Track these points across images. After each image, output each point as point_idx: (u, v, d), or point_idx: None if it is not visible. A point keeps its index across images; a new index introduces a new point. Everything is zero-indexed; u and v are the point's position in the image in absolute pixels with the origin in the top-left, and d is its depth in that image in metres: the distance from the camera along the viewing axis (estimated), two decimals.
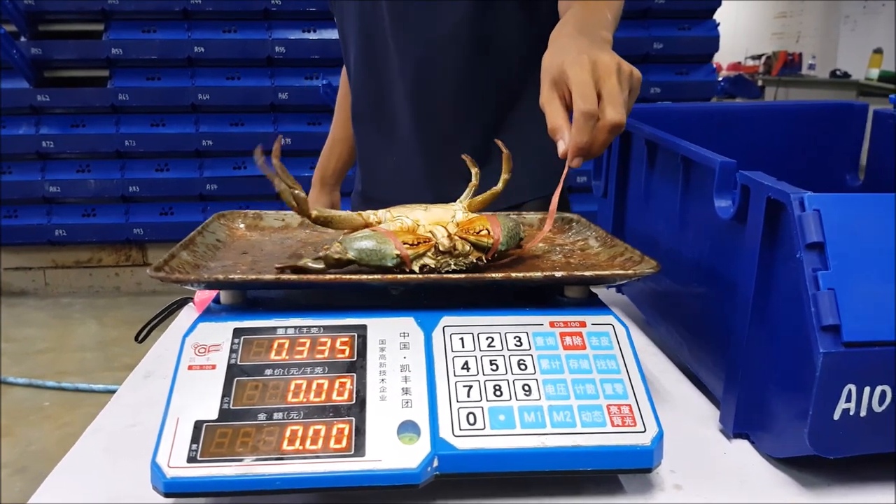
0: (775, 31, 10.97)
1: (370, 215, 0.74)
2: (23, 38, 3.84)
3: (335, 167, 1.44)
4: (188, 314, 1.02)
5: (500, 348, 0.60)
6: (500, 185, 0.82)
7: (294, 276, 0.60)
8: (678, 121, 1.03)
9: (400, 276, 0.62)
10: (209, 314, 0.63)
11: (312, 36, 3.90)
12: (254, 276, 0.60)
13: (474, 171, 0.84)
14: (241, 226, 0.87)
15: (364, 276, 0.61)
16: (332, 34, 3.88)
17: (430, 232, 0.68)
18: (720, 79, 9.99)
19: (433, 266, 0.65)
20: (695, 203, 0.74)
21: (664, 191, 0.82)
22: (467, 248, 0.66)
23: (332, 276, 0.61)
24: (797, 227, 0.54)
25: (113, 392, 2.47)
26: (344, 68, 1.40)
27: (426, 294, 0.66)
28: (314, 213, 0.70)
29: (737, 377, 0.64)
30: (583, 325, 0.62)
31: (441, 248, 0.65)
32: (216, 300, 0.65)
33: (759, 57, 10.48)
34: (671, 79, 3.99)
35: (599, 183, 1.02)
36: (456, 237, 0.67)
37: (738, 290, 0.64)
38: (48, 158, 3.98)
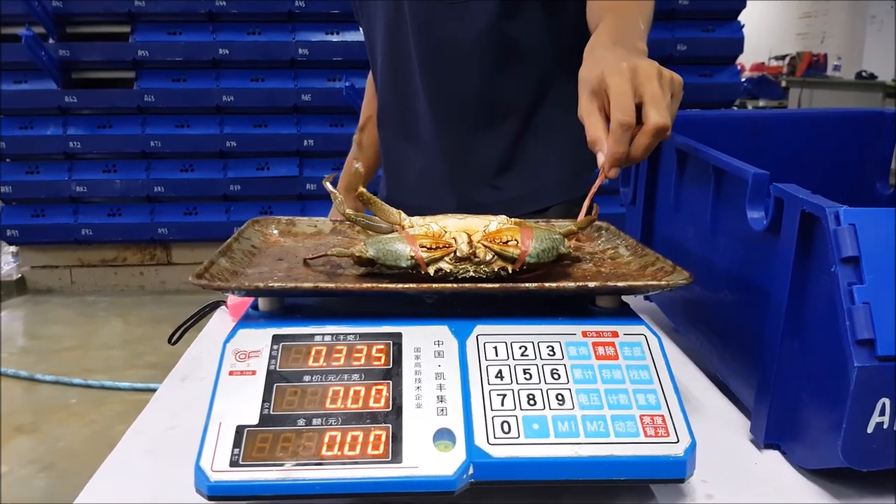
0: (800, 32, 10.87)
1: (405, 217, 0.76)
2: (51, 40, 3.90)
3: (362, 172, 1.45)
4: (220, 317, 1.04)
5: (534, 357, 0.61)
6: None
7: (331, 285, 0.62)
8: (706, 128, 1.03)
9: (435, 286, 0.63)
10: (248, 320, 0.64)
11: (335, 38, 3.93)
12: (292, 285, 0.62)
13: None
14: (275, 232, 0.89)
15: (398, 285, 0.62)
16: (355, 36, 3.91)
17: (453, 238, 0.69)
18: (743, 80, 9.95)
19: (449, 271, 0.66)
20: (726, 213, 0.75)
21: (695, 199, 0.83)
22: (489, 256, 0.66)
23: (368, 285, 0.62)
24: (832, 241, 0.54)
25: (138, 390, 2.51)
26: (370, 74, 1.42)
27: (460, 302, 0.67)
28: (360, 189, 0.76)
29: (769, 388, 0.64)
30: (615, 335, 0.63)
31: (459, 255, 0.66)
32: (254, 306, 0.67)
33: (783, 57, 10.40)
34: (695, 80, 3.97)
35: (628, 190, 1.02)
36: (479, 244, 0.67)
37: (770, 300, 0.64)
38: (75, 158, 4.04)
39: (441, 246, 0.67)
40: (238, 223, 3.99)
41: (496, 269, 0.66)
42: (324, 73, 3.96)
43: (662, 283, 0.64)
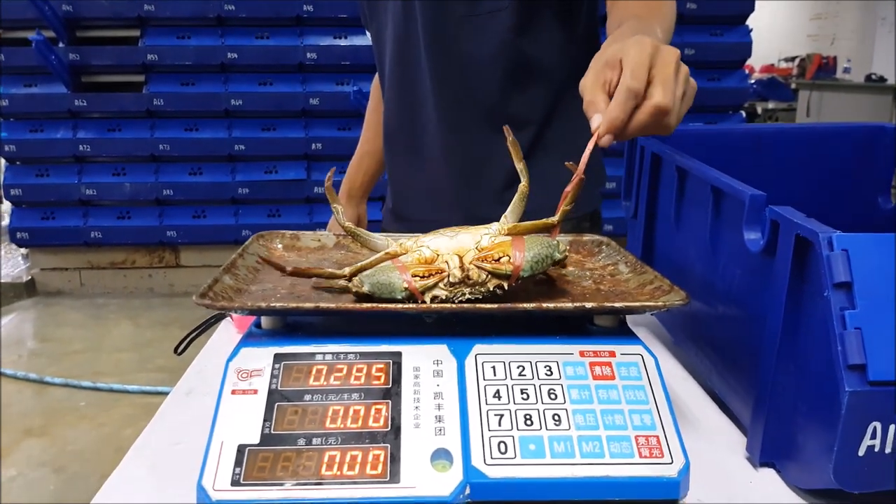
0: (810, 33, 10.83)
1: (392, 243, 0.76)
2: (61, 44, 3.93)
3: (362, 181, 1.45)
4: (226, 328, 1.05)
5: (531, 377, 0.62)
6: (524, 186, 0.78)
7: (332, 305, 0.63)
8: (709, 143, 1.04)
9: (434, 306, 0.64)
10: (251, 339, 0.65)
11: (343, 42, 3.95)
12: (294, 305, 0.63)
13: (524, 177, 0.79)
14: (279, 246, 0.90)
15: (398, 306, 0.63)
16: (363, 40, 3.92)
17: (445, 262, 0.69)
18: (752, 81, 9.92)
19: (445, 297, 0.65)
20: (725, 232, 0.75)
21: (694, 217, 0.83)
22: (483, 276, 0.66)
23: (369, 306, 0.63)
24: (825, 267, 0.55)
25: (147, 393, 2.53)
26: (374, 81, 1.42)
27: (459, 321, 0.68)
28: (347, 271, 0.72)
29: (764, 407, 0.65)
30: (612, 354, 0.64)
31: (452, 280, 0.66)
32: (256, 324, 0.68)
33: (792, 59, 10.36)
34: (703, 85, 3.96)
35: (630, 203, 1.03)
36: (472, 265, 0.67)
37: (766, 321, 0.65)
38: (85, 162, 4.08)
39: (434, 273, 0.67)
40: (246, 226, 4.03)
41: (492, 289, 0.66)
42: (332, 77, 3.98)
43: (659, 303, 0.65)
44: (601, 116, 0.69)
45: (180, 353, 1.01)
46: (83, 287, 4.36)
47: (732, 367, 0.75)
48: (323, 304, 0.63)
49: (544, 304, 0.63)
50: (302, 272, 0.72)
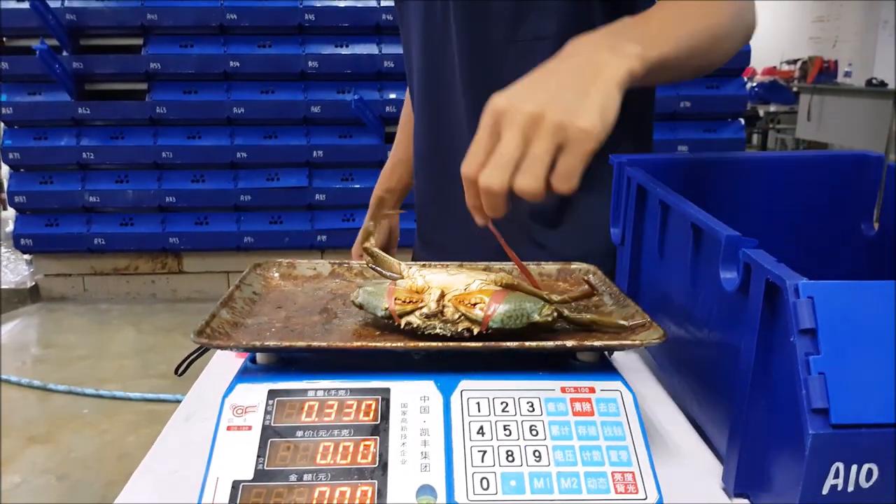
0: (812, 36, 10.87)
1: (404, 268, 0.80)
2: (65, 53, 3.97)
3: (395, 189, 1.40)
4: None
5: (514, 413, 0.64)
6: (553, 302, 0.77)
7: (323, 344, 0.66)
8: (695, 171, 1.07)
9: (421, 344, 0.67)
10: (246, 374, 0.68)
11: (345, 51, 3.98)
12: (286, 344, 0.66)
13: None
14: (276, 275, 0.92)
15: (386, 344, 0.66)
16: (364, 49, 3.96)
17: (429, 293, 0.73)
18: (754, 84, 9.94)
19: (417, 326, 0.69)
20: (704, 267, 0.78)
21: (676, 249, 0.86)
22: (456, 316, 0.70)
23: (358, 344, 0.66)
24: (792, 313, 0.57)
25: (149, 401, 2.56)
26: (407, 93, 1.34)
27: (446, 357, 0.70)
28: (366, 244, 0.80)
29: (738, 439, 0.68)
30: (592, 390, 0.66)
31: (427, 312, 0.70)
32: (252, 359, 0.71)
33: (794, 62, 10.39)
34: (702, 93, 4.00)
35: (617, 230, 1.06)
36: (449, 303, 0.71)
37: (741, 357, 0.67)
38: (88, 169, 4.12)
39: (414, 301, 0.71)
40: (248, 233, 4.06)
41: (460, 329, 0.69)
42: (333, 86, 4.01)
43: (636, 341, 0.67)
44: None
45: (181, 375, 1.04)
46: (86, 293, 4.40)
47: (710, 397, 0.77)
48: (314, 343, 0.66)
49: (526, 344, 0.66)
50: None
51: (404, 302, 0.71)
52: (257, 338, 0.72)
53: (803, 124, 7.41)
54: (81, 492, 2.50)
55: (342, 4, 3.94)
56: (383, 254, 0.81)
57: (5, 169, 4.37)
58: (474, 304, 0.70)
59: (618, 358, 0.82)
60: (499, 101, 0.62)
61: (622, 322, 0.73)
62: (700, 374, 0.81)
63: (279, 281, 0.92)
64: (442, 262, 0.95)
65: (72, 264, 4.34)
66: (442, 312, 0.69)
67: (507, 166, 0.59)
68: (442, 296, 0.71)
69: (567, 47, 0.70)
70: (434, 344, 0.67)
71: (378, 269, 0.85)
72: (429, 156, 1.21)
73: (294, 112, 4.03)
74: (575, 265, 0.95)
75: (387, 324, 0.73)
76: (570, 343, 0.66)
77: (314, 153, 4.06)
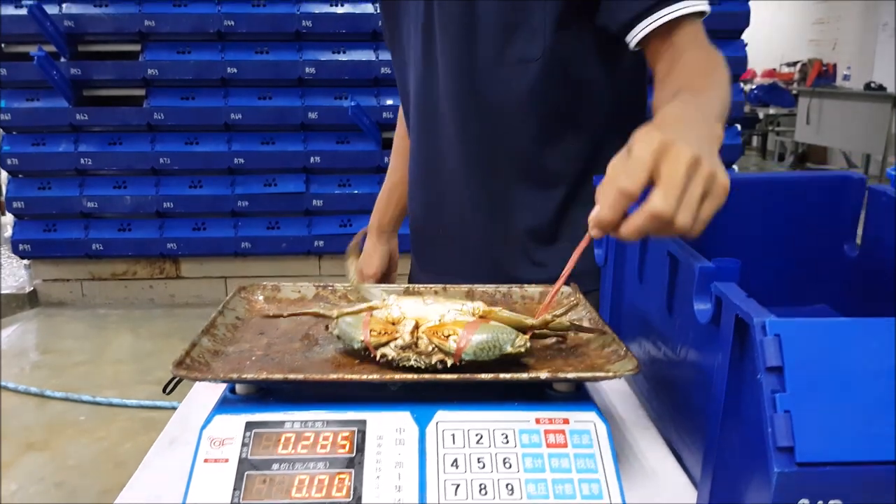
0: (812, 38, 10.86)
1: (387, 298, 0.80)
2: (63, 59, 3.97)
3: (393, 213, 1.39)
4: None
5: (489, 445, 0.65)
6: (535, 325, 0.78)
7: (300, 376, 0.66)
8: None
9: (397, 376, 0.68)
10: (225, 404, 0.69)
11: (342, 57, 3.99)
12: (264, 376, 0.66)
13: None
14: (260, 298, 0.93)
15: (362, 376, 0.67)
16: (361, 55, 3.96)
17: (404, 325, 0.74)
18: (754, 87, 9.94)
19: (392, 358, 0.71)
20: (680, 295, 0.79)
21: (655, 275, 0.87)
22: (430, 348, 0.71)
23: (335, 377, 0.67)
24: (759, 350, 0.58)
25: (145, 408, 2.56)
26: (401, 110, 1.34)
27: (423, 386, 0.71)
28: (335, 313, 0.79)
29: (710, 467, 0.68)
30: (566, 422, 0.67)
31: (401, 343, 0.71)
32: (231, 389, 0.71)
33: (794, 64, 10.39)
34: None
35: (601, 251, 1.06)
36: (422, 335, 0.72)
37: (713, 388, 0.68)
38: (86, 175, 4.13)
39: (388, 332, 0.72)
40: (246, 238, 4.07)
41: (433, 362, 0.70)
42: (330, 92, 4.02)
43: (610, 374, 0.68)
44: (596, 208, 0.63)
45: (168, 393, 1.04)
46: (85, 298, 4.41)
47: (685, 423, 0.78)
48: (291, 376, 0.66)
49: (501, 376, 0.67)
50: (296, 314, 0.82)
51: (379, 333, 0.71)
52: (237, 367, 0.73)
53: (802, 127, 7.41)
54: (78, 499, 2.51)
55: (339, 11, 3.95)
56: (365, 286, 0.81)
57: (4, 174, 4.39)
58: (447, 336, 0.70)
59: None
60: (663, 135, 0.63)
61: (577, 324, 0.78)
62: (676, 399, 0.82)
63: (263, 304, 0.92)
64: (427, 286, 0.96)
65: (70, 269, 4.35)
66: (416, 344, 0.70)
67: (676, 198, 0.60)
68: (416, 327, 0.72)
69: (676, 113, 0.75)
70: (409, 376, 0.68)
71: (364, 295, 0.85)
72: (421, 178, 1.21)
73: (291, 118, 4.04)
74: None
75: (357, 352, 0.74)
76: (544, 375, 0.67)
77: (311, 159, 4.07)
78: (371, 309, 0.78)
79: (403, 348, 0.70)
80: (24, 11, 3.74)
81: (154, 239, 4.15)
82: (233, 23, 3.93)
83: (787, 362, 0.57)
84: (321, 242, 4.14)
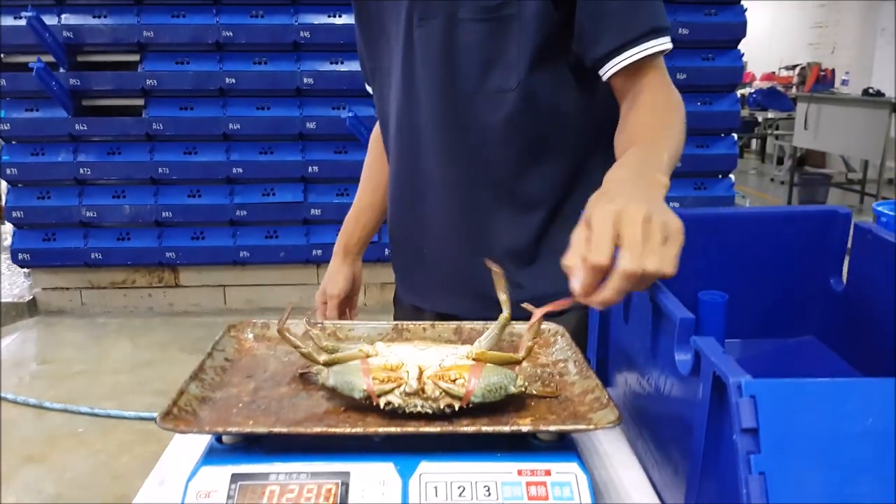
0: (811, 42, 10.87)
1: (370, 349, 0.81)
2: (62, 70, 3.99)
3: (360, 235, 1.41)
4: None
5: (471, 497, 0.66)
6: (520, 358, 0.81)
7: (284, 430, 0.67)
8: None
9: (381, 430, 0.68)
10: (211, 455, 0.70)
11: (340, 68, 4.00)
12: (248, 430, 0.68)
13: (506, 308, 0.86)
14: (250, 336, 0.94)
15: (346, 430, 0.68)
16: (358, 66, 3.96)
17: (406, 371, 0.75)
18: (752, 91, 9.95)
19: (398, 405, 0.71)
20: (663, 340, 0.80)
21: (639, 316, 0.87)
22: (437, 393, 0.72)
23: (319, 430, 0.68)
24: (734, 410, 0.59)
25: (144, 419, 2.57)
26: (373, 133, 1.39)
27: (407, 438, 0.72)
28: (322, 358, 0.78)
29: None
30: (548, 473, 0.68)
31: (408, 390, 0.72)
32: (217, 438, 0.72)
33: (793, 67, 10.40)
34: (695, 109, 4.00)
35: None
36: (429, 380, 0.73)
37: (693, 437, 0.69)
38: (85, 184, 4.14)
39: (392, 379, 0.72)
40: (244, 247, 4.09)
41: (442, 407, 0.71)
42: (328, 102, 4.03)
43: (591, 426, 0.69)
44: (576, 281, 0.70)
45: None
46: (84, 306, 4.42)
47: (667, 466, 0.79)
48: (275, 430, 0.67)
49: (483, 429, 0.68)
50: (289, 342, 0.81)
51: (382, 381, 0.72)
52: (223, 416, 0.74)
53: (800, 133, 7.41)
54: None
55: (338, 22, 3.96)
56: (342, 354, 0.81)
57: (3, 184, 4.40)
58: (454, 380, 0.72)
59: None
60: (614, 206, 0.71)
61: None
62: (659, 441, 0.82)
63: (253, 343, 0.93)
64: (416, 324, 0.96)
65: (69, 278, 4.36)
66: (423, 390, 0.71)
67: (641, 254, 0.68)
68: (421, 373, 0.73)
69: (622, 177, 0.84)
70: (392, 429, 0.69)
71: (341, 355, 0.83)
72: (402, 200, 1.23)
73: (289, 128, 4.05)
74: (544, 325, 0.97)
75: (353, 400, 0.75)
76: (525, 428, 0.68)
77: (309, 168, 4.08)
78: (365, 356, 0.79)
79: (410, 394, 0.71)
80: (23, 22, 3.75)
81: (153, 248, 4.16)
82: (231, 34, 3.94)
83: (762, 424, 0.58)
84: (319, 251, 4.15)
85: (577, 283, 0.70)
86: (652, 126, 0.97)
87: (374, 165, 1.37)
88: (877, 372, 1.01)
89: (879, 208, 1.12)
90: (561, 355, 0.89)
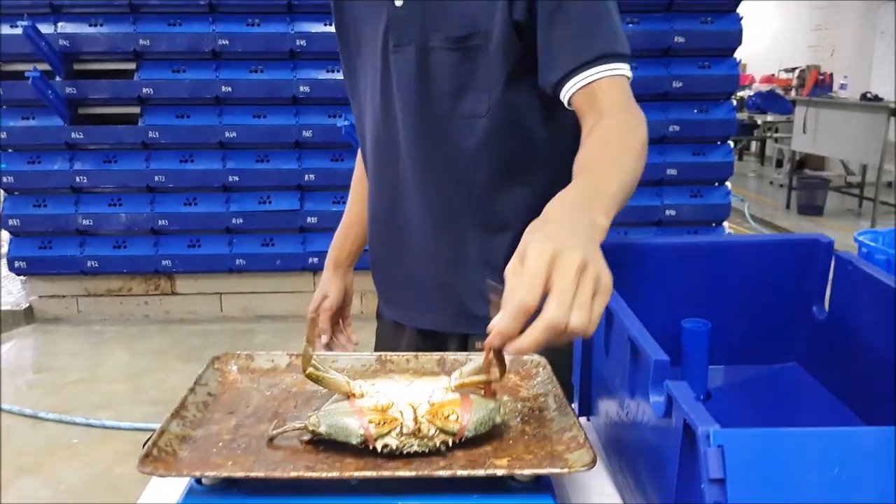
0: (811, 44, 10.86)
1: (355, 386, 0.81)
2: (58, 78, 3.99)
3: (350, 249, 1.45)
4: None
5: None
6: (498, 377, 0.80)
7: (261, 475, 0.68)
8: (649, 256, 1.09)
9: (357, 474, 0.69)
10: (191, 496, 0.71)
11: (336, 76, 4.00)
12: (225, 474, 0.68)
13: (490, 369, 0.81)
14: (234, 368, 0.95)
15: (322, 475, 0.68)
16: None
17: (400, 412, 0.75)
18: (752, 93, 9.95)
19: (396, 446, 0.72)
20: (640, 378, 0.80)
21: (619, 352, 0.88)
22: (432, 431, 0.73)
23: (296, 475, 0.68)
24: (703, 460, 0.59)
25: (139, 430, 2.57)
26: (359, 153, 1.39)
27: (384, 480, 0.73)
28: (308, 370, 0.80)
29: None
30: None
31: (406, 431, 0.72)
32: (197, 480, 0.73)
33: (793, 70, 10.40)
34: (691, 117, 4.01)
35: None
36: (423, 419, 0.74)
37: (665, 479, 0.70)
38: (82, 192, 4.15)
39: (388, 421, 0.73)
40: (240, 255, 4.09)
41: (438, 444, 0.73)
42: (324, 110, 4.04)
43: (565, 469, 0.70)
44: (499, 320, 0.67)
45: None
46: (80, 314, 4.42)
47: (644, 501, 0.80)
48: (252, 475, 0.68)
49: (459, 473, 0.68)
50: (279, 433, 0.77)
51: (379, 423, 0.73)
52: (204, 454, 0.75)
53: (799, 137, 7.41)
54: None
55: (333, 30, 3.95)
56: (328, 376, 0.82)
57: (0, 192, 4.40)
58: (447, 417, 0.73)
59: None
60: (550, 247, 0.68)
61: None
62: (636, 475, 0.83)
63: (236, 375, 0.94)
64: (399, 355, 0.97)
65: (65, 286, 4.36)
66: (419, 430, 0.72)
67: (569, 306, 0.65)
68: (415, 412, 0.74)
69: (561, 212, 0.80)
70: (369, 473, 0.69)
71: (328, 382, 0.84)
72: (380, 219, 1.26)
73: (286, 136, 4.05)
74: (525, 356, 0.97)
75: (331, 441, 0.75)
76: (500, 472, 0.68)
77: (306, 176, 4.09)
78: (349, 396, 0.79)
79: (406, 435, 0.72)
80: (19, 31, 3.75)
81: (149, 256, 4.17)
82: (227, 42, 3.95)
83: (729, 474, 0.58)
84: (315, 259, 4.16)
85: (500, 322, 0.66)
86: (605, 156, 0.95)
87: (363, 182, 1.38)
88: (857, 401, 1.01)
89: (861, 238, 1.12)
90: (542, 389, 0.90)
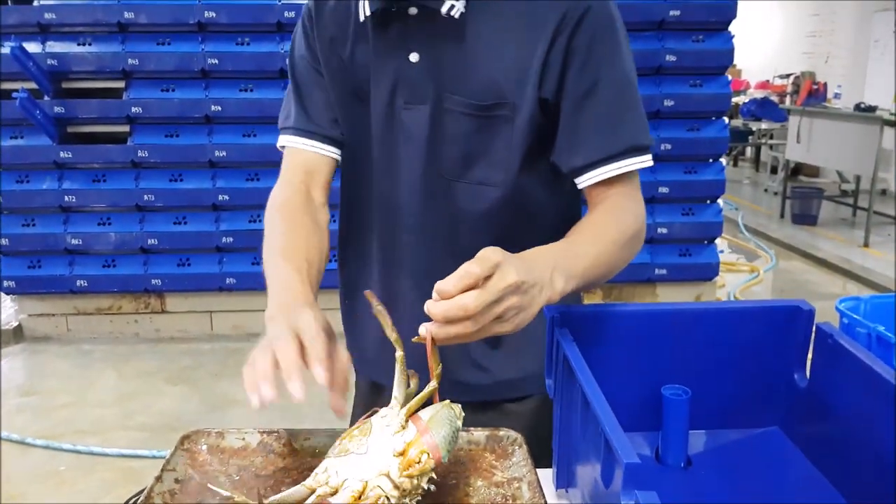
0: (805, 51, 10.88)
1: (314, 485, 0.78)
2: (46, 97, 3.97)
3: (314, 287, 1.21)
4: None
5: None
6: (435, 382, 0.83)
7: None
8: (629, 322, 1.07)
9: None
10: None
11: None
12: None
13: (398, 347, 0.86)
14: (204, 448, 0.93)
15: None
16: None
17: (377, 486, 0.73)
18: (746, 100, 9.96)
19: None
20: (614, 472, 0.78)
21: (593, 436, 0.86)
22: (415, 482, 0.73)
23: None
24: None
25: (126, 457, 2.52)
26: (279, 201, 1.29)
27: None
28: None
29: None
30: None
31: (395, 502, 0.73)
32: None
33: (787, 76, 10.41)
34: (683, 135, 4.00)
35: (550, 382, 1.06)
36: (401, 479, 0.73)
37: None
38: (70, 212, 4.13)
39: (374, 502, 0.72)
40: (231, 274, 4.07)
41: (426, 487, 0.75)
42: None
43: None
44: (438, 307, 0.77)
45: None
46: (70, 332, 4.40)
47: None
48: None
49: None
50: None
51: None
52: None
53: (793, 146, 7.41)
54: None
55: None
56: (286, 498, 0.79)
57: None
58: (419, 461, 0.74)
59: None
60: (513, 279, 0.78)
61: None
62: None
63: (206, 457, 0.92)
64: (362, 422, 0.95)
65: (55, 304, 4.34)
66: (405, 491, 0.74)
67: (483, 305, 0.76)
68: (389, 479, 0.74)
69: (546, 253, 0.90)
70: None
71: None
72: (379, 268, 1.20)
73: (275, 155, 3.92)
74: (502, 432, 0.96)
75: None
76: None
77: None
78: (316, 496, 0.77)
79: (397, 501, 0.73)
80: (6, 50, 3.73)
81: (139, 275, 4.15)
82: (217, 61, 3.93)
83: None
84: None
85: (445, 280, 0.75)
86: (593, 236, 1.00)
87: (300, 220, 1.25)
88: (833, 470, 1.00)
89: (841, 306, 1.10)
90: (517, 472, 0.88)
